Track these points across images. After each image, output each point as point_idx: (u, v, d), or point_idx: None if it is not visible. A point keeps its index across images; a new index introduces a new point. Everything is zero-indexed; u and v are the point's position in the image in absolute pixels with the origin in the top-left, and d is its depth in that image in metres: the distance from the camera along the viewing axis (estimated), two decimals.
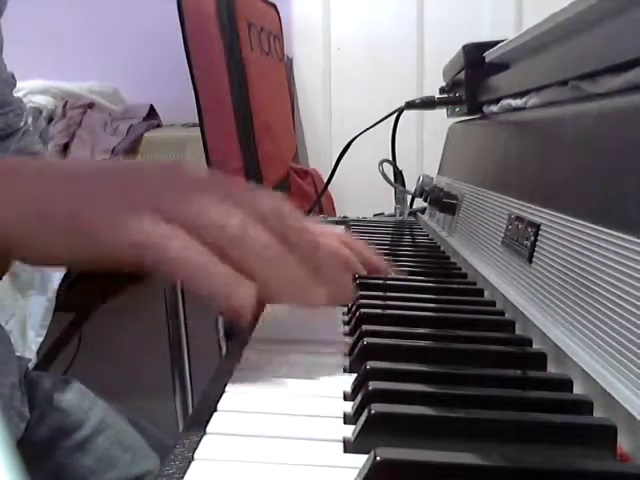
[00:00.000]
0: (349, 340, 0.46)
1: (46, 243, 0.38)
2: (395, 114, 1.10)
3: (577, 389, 0.38)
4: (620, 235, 0.37)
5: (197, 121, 1.38)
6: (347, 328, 0.50)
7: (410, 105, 1.02)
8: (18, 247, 0.39)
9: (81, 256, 0.38)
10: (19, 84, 0.76)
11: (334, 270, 0.41)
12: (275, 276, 0.38)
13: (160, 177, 0.40)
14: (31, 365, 0.79)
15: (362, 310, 0.49)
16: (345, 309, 0.54)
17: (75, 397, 0.74)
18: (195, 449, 0.30)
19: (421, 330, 0.46)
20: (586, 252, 0.41)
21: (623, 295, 0.35)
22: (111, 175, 0.40)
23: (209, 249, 0.37)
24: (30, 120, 0.75)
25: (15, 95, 0.75)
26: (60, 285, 1.28)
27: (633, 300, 0.34)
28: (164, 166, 0.42)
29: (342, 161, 1.19)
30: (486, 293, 0.59)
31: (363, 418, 0.31)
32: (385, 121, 1.11)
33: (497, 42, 0.74)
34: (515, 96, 0.69)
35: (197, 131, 1.38)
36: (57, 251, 0.38)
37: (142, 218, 0.37)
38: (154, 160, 0.40)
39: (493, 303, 0.55)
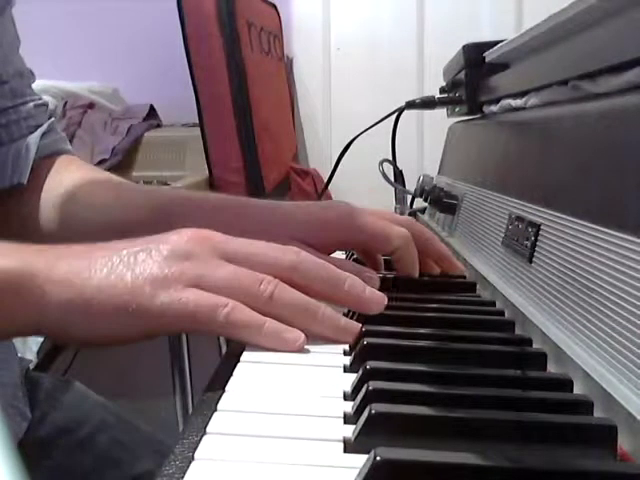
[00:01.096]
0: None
1: (97, 328, 0.42)
2: (395, 114, 1.10)
3: (577, 389, 0.38)
4: (620, 235, 0.37)
5: (197, 121, 1.38)
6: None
7: (410, 105, 1.02)
8: (63, 333, 0.43)
9: (135, 335, 0.43)
10: None
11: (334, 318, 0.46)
12: (313, 325, 0.44)
13: (182, 251, 0.44)
14: (31, 366, 0.79)
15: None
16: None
17: (75, 397, 0.74)
18: (195, 449, 0.30)
19: (421, 330, 0.46)
20: (586, 252, 0.41)
21: (623, 295, 0.35)
22: (142, 255, 0.44)
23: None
24: (53, 119, 0.75)
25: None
26: None
27: (633, 300, 0.34)
28: (189, 237, 0.45)
29: (342, 161, 1.19)
30: (486, 293, 0.59)
31: (363, 418, 0.31)
32: (385, 121, 1.11)
33: (497, 42, 0.74)
34: (515, 96, 0.69)
35: (197, 131, 1.39)
36: (108, 333, 0.43)
37: (189, 291, 0.42)
38: (178, 230, 0.45)
39: (493, 303, 0.55)
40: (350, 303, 0.48)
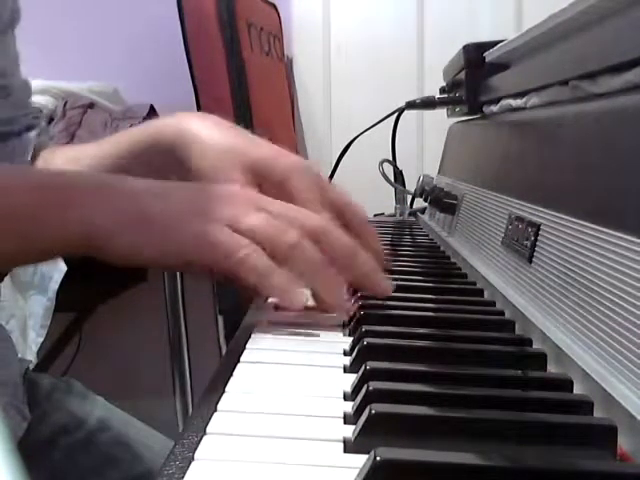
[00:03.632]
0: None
1: (136, 247, 0.47)
2: (395, 114, 1.10)
3: (577, 389, 0.38)
4: (620, 235, 0.37)
5: None
6: (347, 329, 0.50)
7: (410, 105, 1.02)
8: (107, 249, 0.47)
9: (164, 257, 0.47)
10: None
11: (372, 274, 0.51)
12: (319, 286, 0.48)
13: (225, 196, 0.49)
14: (31, 366, 0.79)
15: (362, 310, 0.49)
16: None
17: (75, 397, 0.74)
18: (195, 449, 0.30)
19: (421, 330, 0.46)
20: (586, 252, 0.41)
21: (623, 295, 0.35)
22: (186, 192, 0.50)
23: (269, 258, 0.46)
24: (43, 123, 0.77)
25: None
26: (60, 285, 1.28)
27: (633, 300, 0.34)
28: (225, 188, 0.51)
29: (342, 161, 1.19)
30: (486, 293, 0.59)
31: (363, 418, 0.31)
32: (385, 121, 1.11)
33: (497, 42, 0.74)
34: (515, 96, 0.69)
35: None
36: (144, 254, 0.47)
37: (220, 228, 0.46)
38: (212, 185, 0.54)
39: (493, 303, 0.55)
40: (362, 282, 0.52)
